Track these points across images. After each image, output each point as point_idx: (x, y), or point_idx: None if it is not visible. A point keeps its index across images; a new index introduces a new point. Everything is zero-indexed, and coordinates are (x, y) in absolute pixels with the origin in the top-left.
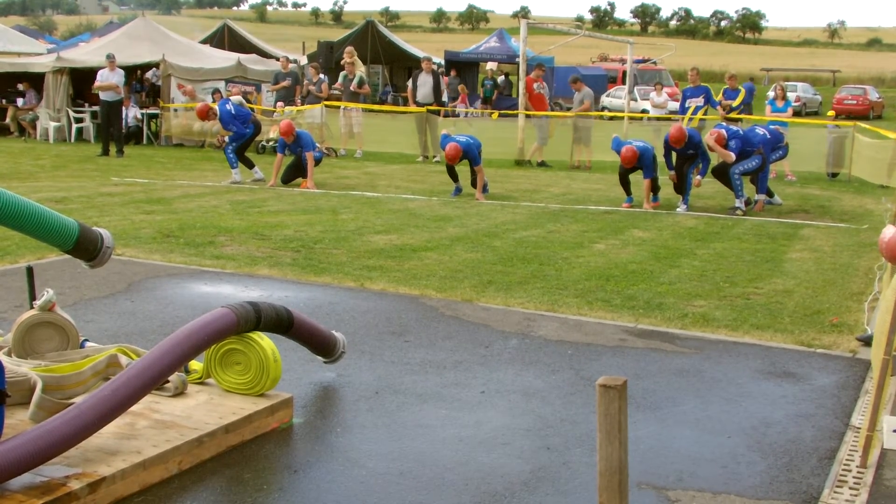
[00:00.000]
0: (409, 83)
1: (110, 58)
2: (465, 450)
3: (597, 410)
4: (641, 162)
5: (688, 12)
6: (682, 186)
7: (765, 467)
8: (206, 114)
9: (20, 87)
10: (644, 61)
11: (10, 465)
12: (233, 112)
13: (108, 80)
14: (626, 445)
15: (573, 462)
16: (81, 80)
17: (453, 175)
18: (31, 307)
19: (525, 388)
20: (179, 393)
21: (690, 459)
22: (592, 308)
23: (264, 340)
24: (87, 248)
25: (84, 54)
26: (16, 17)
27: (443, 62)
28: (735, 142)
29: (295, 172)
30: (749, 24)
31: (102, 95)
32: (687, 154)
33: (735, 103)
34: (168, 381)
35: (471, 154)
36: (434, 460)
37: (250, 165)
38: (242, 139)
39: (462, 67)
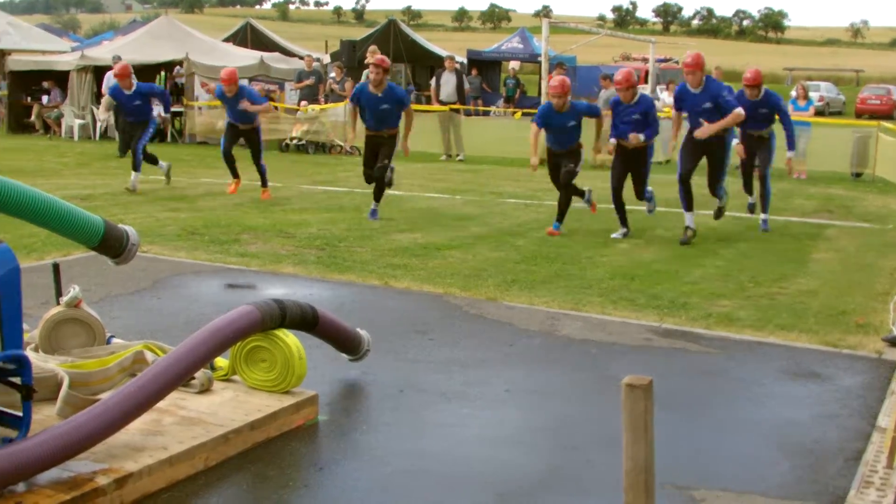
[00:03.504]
0: (433, 82)
1: (117, 59)
2: (488, 448)
3: (622, 410)
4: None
5: (710, 11)
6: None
7: (789, 467)
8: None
9: (45, 84)
10: (666, 60)
11: (38, 461)
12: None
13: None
14: (653, 445)
15: (596, 462)
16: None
17: None
18: (58, 304)
19: (548, 388)
20: (205, 390)
21: (715, 459)
22: (616, 307)
23: (289, 338)
24: (112, 245)
25: (107, 52)
26: (40, 16)
27: (465, 61)
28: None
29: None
30: (771, 24)
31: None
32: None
33: None
34: (194, 378)
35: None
36: (457, 458)
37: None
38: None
39: (484, 66)
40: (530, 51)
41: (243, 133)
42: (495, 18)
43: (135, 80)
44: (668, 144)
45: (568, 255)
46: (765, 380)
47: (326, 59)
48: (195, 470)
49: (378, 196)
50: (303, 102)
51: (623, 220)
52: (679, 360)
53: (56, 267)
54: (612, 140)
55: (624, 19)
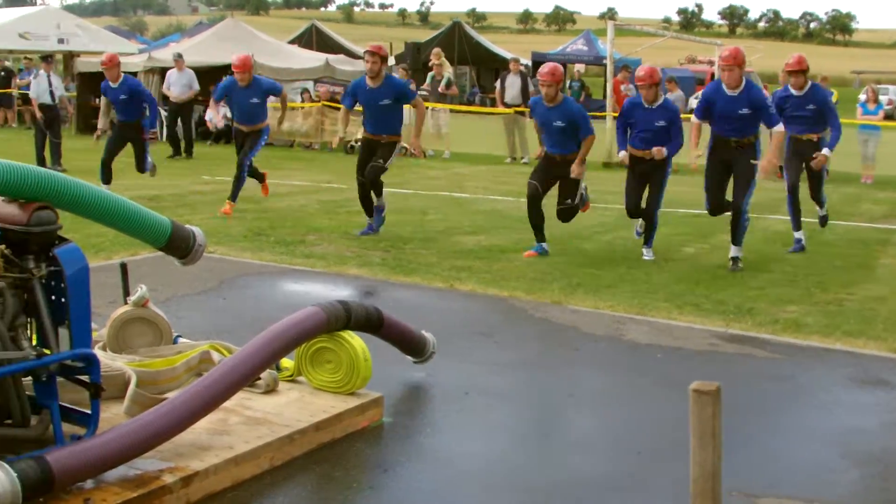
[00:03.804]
0: (497, 84)
1: (178, 57)
2: (552, 452)
3: (690, 416)
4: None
5: (776, 14)
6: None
7: (858, 476)
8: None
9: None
10: None
11: (106, 458)
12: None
13: (177, 82)
14: (720, 451)
15: (661, 468)
16: None
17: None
18: (126, 303)
19: (613, 392)
20: (271, 390)
21: (781, 466)
22: (682, 312)
23: (355, 339)
24: (179, 245)
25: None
26: (108, 18)
27: (530, 63)
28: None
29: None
30: (839, 26)
31: (173, 97)
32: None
33: None
34: (260, 379)
35: None
36: (520, 462)
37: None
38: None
39: None
40: (595, 53)
41: (247, 136)
42: (560, 21)
43: (123, 73)
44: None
45: (633, 260)
46: (832, 387)
47: (391, 61)
48: (260, 470)
49: (370, 209)
50: None
51: (649, 239)
52: (745, 366)
53: (124, 267)
54: (623, 152)
55: (689, 21)
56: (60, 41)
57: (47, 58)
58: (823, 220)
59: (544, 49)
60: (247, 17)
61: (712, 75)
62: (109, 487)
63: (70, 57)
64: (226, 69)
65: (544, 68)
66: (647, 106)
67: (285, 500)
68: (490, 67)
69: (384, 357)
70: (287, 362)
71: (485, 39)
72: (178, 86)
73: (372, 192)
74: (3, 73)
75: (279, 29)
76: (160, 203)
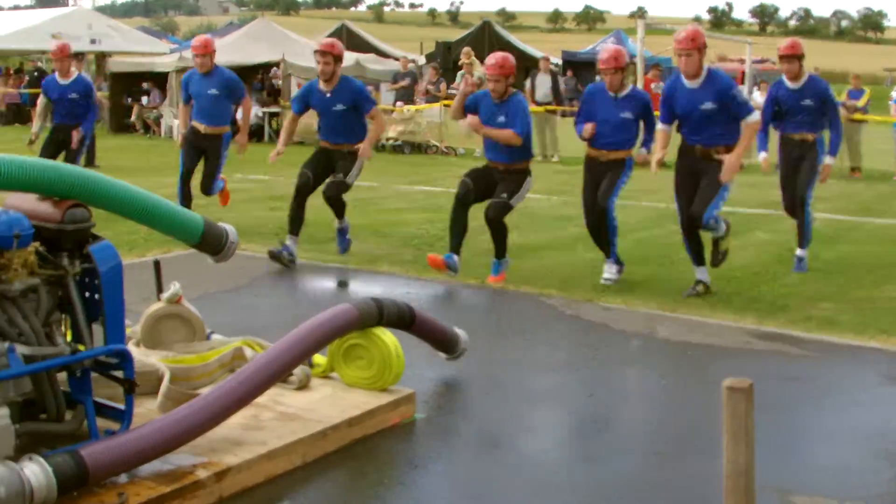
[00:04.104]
0: (528, 83)
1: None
2: (583, 450)
3: (723, 413)
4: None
5: (807, 12)
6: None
7: (892, 475)
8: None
9: (144, 86)
10: (763, 62)
11: (140, 453)
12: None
13: None
14: (753, 448)
15: (694, 465)
16: None
17: None
18: (159, 300)
19: (646, 390)
20: (303, 386)
21: (815, 464)
22: (714, 310)
23: (387, 336)
24: (212, 242)
25: None
26: (139, 18)
27: (560, 62)
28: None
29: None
30: (871, 24)
31: None
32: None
33: (860, 103)
34: (292, 375)
35: None
36: (552, 460)
37: None
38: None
39: (579, 67)
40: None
41: (207, 142)
42: (590, 20)
43: (75, 70)
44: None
45: (665, 257)
46: (866, 385)
47: (422, 60)
48: (293, 465)
49: (297, 225)
50: (398, 103)
51: (612, 252)
52: (778, 364)
53: (157, 264)
54: (581, 132)
55: (720, 20)
56: (92, 41)
57: (78, 56)
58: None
59: (574, 48)
60: (277, 17)
61: (743, 74)
62: (143, 482)
63: (102, 57)
64: (256, 69)
65: (491, 59)
66: (611, 94)
67: (318, 495)
68: (520, 66)
69: (416, 353)
70: (319, 358)
71: (515, 38)
72: None
73: (333, 211)
74: (35, 74)
75: (309, 29)
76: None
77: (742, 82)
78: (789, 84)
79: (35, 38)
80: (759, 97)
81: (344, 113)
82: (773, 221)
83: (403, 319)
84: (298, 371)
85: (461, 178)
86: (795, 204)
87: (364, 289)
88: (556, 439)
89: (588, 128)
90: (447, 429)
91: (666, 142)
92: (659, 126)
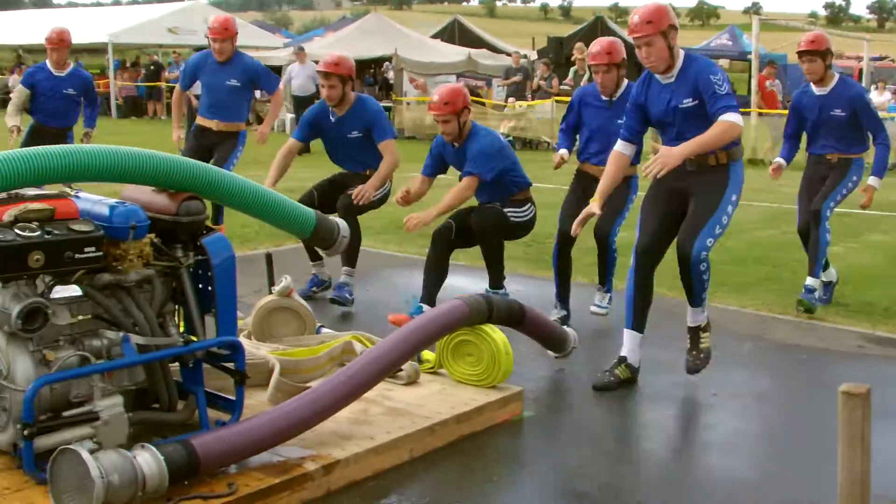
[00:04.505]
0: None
1: (299, 50)
2: (694, 453)
3: (839, 418)
4: None
5: None
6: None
7: None
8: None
9: None
10: (881, 59)
11: (250, 444)
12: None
13: (299, 75)
14: (869, 455)
15: (808, 470)
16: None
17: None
18: (270, 293)
19: (757, 393)
20: (412, 382)
21: None
22: (828, 313)
23: (496, 333)
24: (324, 236)
25: (319, 48)
26: (254, 13)
27: None
28: None
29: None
30: None
31: (295, 91)
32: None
33: None
34: (401, 370)
35: None
36: (662, 461)
37: None
38: None
39: None
40: (739, 49)
41: (217, 141)
42: (704, 15)
43: (71, 62)
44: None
45: (779, 258)
46: None
47: (533, 55)
48: (401, 460)
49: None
50: (510, 99)
51: (561, 295)
52: (893, 369)
53: (269, 257)
54: (560, 152)
55: (836, 16)
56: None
57: (301, 50)
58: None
59: (688, 44)
60: (390, 12)
61: (860, 71)
62: (252, 473)
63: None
64: (368, 64)
65: (595, 46)
66: (603, 98)
67: (424, 490)
68: (633, 62)
69: (525, 351)
70: (429, 354)
71: (627, 34)
72: (301, 78)
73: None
74: (152, 67)
75: (422, 23)
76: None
77: (859, 79)
78: (815, 89)
79: (152, 32)
80: (877, 96)
81: (360, 141)
82: (890, 222)
83: (513, 317)
84: (407, 366)
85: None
86: (809, 222)
87: (472, 285)
88: (667, 441)
89: (556, 158)
90: (555, 427)
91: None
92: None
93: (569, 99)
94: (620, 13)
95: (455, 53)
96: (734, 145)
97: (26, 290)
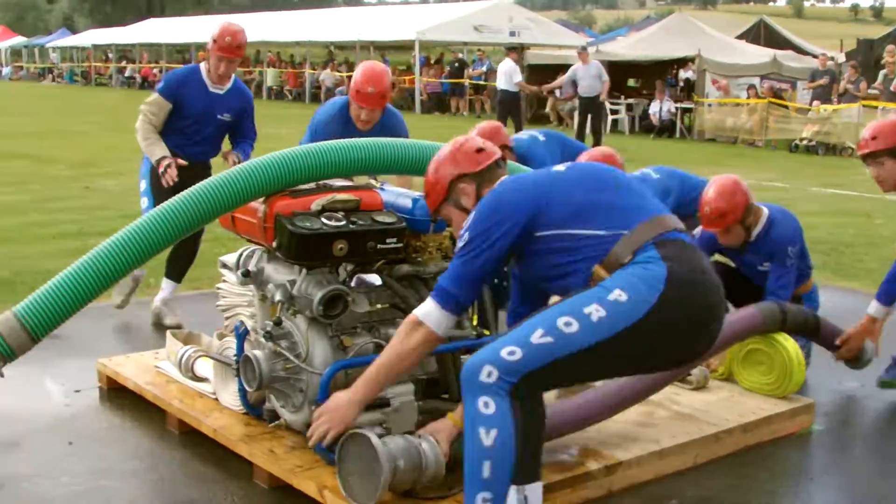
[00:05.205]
0: None
1: (581, 50)
2: None
3: None
4: None
5: None
6: None
7: None
8: None
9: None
10: None
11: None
12: None
13: (585, 76)
14: None
15: None
16: (618, 73)
17: None
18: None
19: None
20: (701, 387)
21: None
22: None
23: (789, 343)
24: None
25: (621, 48)
26: (557, 12)
27: None
28: None
29: None
30: None
31: (582, 92)
32: None
33: None
34: (691, 375)
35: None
36: None
37: None
38: None
39: None
40: None
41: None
42: None
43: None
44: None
45: None
46: None
47: (841, 57)
48: (684, 466)
49: None
50: (815, 102)
51: None
52: None
53: None
54: None
55: None
56: (512, 34)
57: (513, 49)
58: None
59: None
60: (694, 11)
61: None
62: None
63: (521, 50)
64: (670, 64)
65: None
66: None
67: (706, 497)
68: None
69: (816, 361)
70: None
71: None
72: (587, 79)
73: None
74: (456, 65)
75: (727, 24)
76: None
77: None
78: None
79: (458, 29)
80: None
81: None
82: None
83: (808, 326)
84: (697, 371)
85: None
86: None
87: None
88: None
89: None
90: (846, 442)
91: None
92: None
93: (877, 104)
94: None
95: (759, 55)
96: None
97: (329, 277)
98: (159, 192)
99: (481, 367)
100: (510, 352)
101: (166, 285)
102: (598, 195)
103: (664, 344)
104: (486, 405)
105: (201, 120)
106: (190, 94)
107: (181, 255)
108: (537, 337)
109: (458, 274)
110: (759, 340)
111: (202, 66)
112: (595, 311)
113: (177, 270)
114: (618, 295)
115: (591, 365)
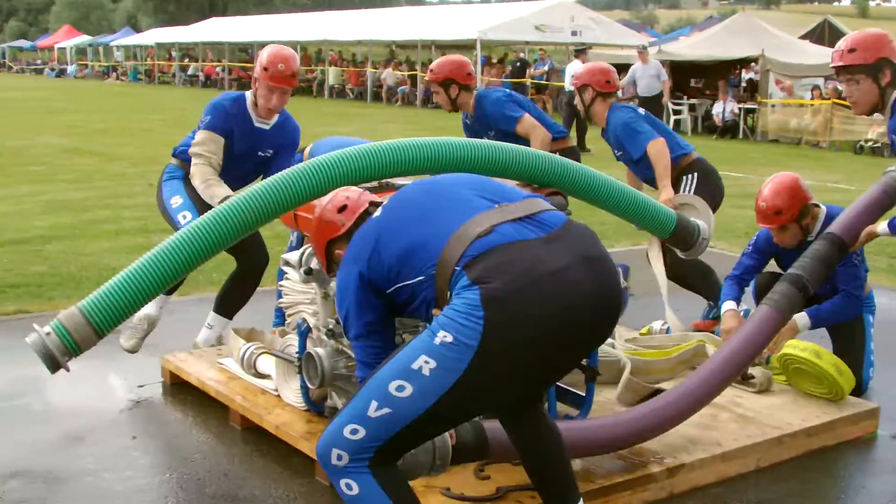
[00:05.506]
0: None
1: (641, 49)
2: None
3: None
4: None
5: None
6: None
7: None
8: None
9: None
10: None
11: (603, 442)
12: None
13: (644, 76)
14: None
15: None
16: (681, 73)
17: None
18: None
19: None
20: (764, 390)
21: None
22: None
23: (822, 360)
24: (684, 237)
25: (683, 48)
26: (619, 11)
27: None
28: None
29: None
30: None
31: (641, 91)
32: None
33: None
34: (754, 378)
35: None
36: None
37: None
38: None
39: None
40: None
41: None
42: None
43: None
44: None
45: None
46: None
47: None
48: (746, 469)
49: None
50: None
51: None
52: None
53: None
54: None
55: None
56: (573, 34)
57: (582, 51)
58: None
59: None
60: (757, 11)
61: None
62: (596, 470)
63: (583, 49)
64: (734, 64)
65: None
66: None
67: (769, 501)
68: None
69: (880, 365)
70: (779, 362)
71: None
72: (646, 79)
73: None
74: (518, 64)
75: (790, 23)
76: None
77: None
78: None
79: (519, 29)
80: None
81: (499, 138)
82: None
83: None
84: (760, 374)
85: None
86: None
87: None
88: None
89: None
90: None
91: None
92: None
93: None
94: None
95: (823, 55)
96: None
97: None
98: (202, 205)
99: (329, 451)
100: (352, 430)
101: (215, 322)
102: (409, 233)
103: (530, 360)
104: (350, 487)
105: (241, 157)
106: (235, 129)
107: (235, 292)
108: (373, 411)
109: (363, 360)
110: (798, 361)
111: (247, 95)
112: (424, 364)
113: (228, 306)
114: (443, 336)
115: (448, 416)
